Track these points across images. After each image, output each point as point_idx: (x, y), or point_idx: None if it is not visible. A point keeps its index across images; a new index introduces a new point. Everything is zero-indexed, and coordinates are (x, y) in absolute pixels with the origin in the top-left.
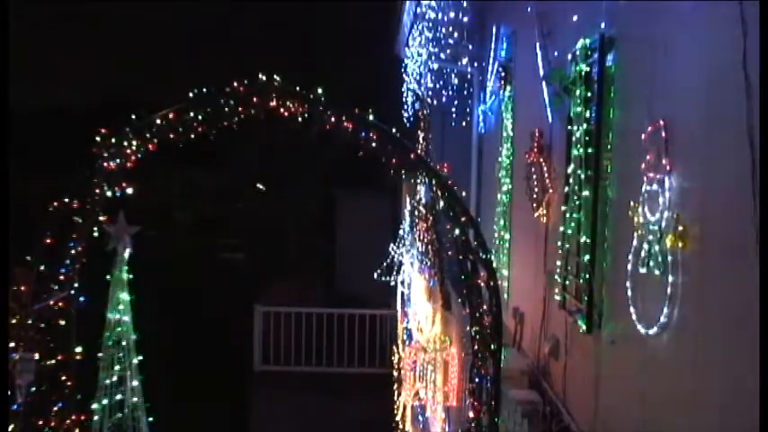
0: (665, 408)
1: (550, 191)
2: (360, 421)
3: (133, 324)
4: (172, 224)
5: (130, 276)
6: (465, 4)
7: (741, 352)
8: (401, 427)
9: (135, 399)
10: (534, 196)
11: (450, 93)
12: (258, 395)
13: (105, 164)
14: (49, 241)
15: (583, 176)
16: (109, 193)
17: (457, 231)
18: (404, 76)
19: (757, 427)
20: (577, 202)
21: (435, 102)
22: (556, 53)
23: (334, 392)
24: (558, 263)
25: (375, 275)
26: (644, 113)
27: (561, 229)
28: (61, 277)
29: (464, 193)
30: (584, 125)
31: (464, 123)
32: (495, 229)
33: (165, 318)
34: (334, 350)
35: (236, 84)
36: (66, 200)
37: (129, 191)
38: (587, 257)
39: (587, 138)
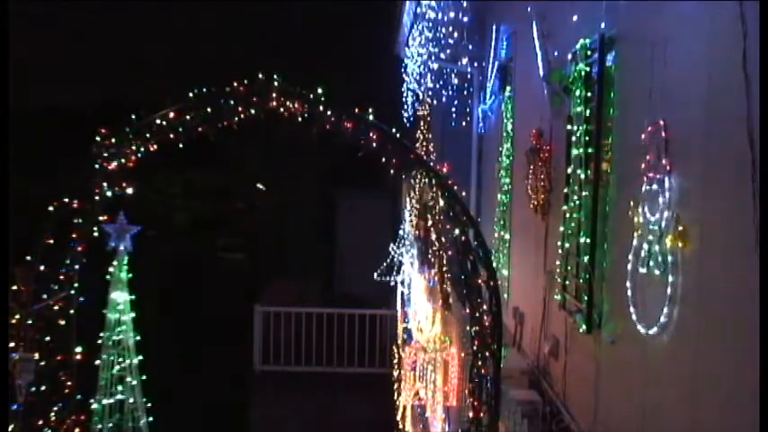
0: (664, 408)
1: (550, 191)
2: (360, 421)
3: (133, 324)
4: (172, 224)
5: (130, 276)
6: (465, 4)
7: (741, 352)
8: (401, 427)
9: (135, 399)
10: (534, 196)
11: (451, 93)
12: (258, 395)
13: (105, 164)
14: (49, 241)
15: (583, 176)
16: (109, 193)
17: (457, 231)
18: (404, 76)
19: (757, 426)
20: (577, 202)
21: (435, 102)
22: (556, 53)
23: (334, 392)
24: (558, 263)
25: (375, 275)
26: (644, 113)
27: (561, 229)
28: (61, 277)
29: (464, 193)
30: (584, 125)
31: (464, 123)
32: (495, 229)
33: (165, 318)
34: (334, 350)
35: (236, 84)
36: (67, 200)
37: (129, 191)
38: (587, 257)
39: (587, 138)
